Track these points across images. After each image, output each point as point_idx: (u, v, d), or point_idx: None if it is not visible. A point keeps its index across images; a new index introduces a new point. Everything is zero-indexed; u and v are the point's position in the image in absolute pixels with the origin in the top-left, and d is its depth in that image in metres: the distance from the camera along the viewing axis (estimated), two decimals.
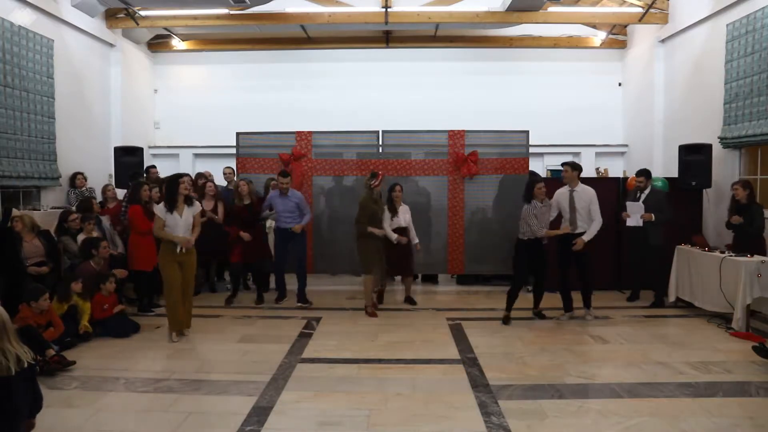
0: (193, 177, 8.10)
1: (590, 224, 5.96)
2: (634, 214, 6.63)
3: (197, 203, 5.56)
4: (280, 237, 6.78)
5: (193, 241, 5.34)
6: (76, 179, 7.87)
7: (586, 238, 5.92)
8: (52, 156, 7.55)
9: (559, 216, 6.16)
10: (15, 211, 5.98)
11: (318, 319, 6.07)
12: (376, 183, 6.31)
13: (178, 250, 5.25)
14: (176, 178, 5.34)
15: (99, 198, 7.59)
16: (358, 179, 7.92)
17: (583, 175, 9.44)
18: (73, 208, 6.90)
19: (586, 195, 5.99)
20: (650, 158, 9.21)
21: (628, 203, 6.71)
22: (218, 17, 8.94)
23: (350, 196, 7.93)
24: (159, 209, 5.26)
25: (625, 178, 7.83)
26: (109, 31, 9.15)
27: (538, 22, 8.96)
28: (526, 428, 3.42)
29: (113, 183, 8.34)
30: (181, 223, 5.26)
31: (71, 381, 4.21)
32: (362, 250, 6.30)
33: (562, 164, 6.31)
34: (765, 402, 3.84)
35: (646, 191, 6.73)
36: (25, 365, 2.54)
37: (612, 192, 7.59)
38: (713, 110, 7.46)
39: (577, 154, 10.44)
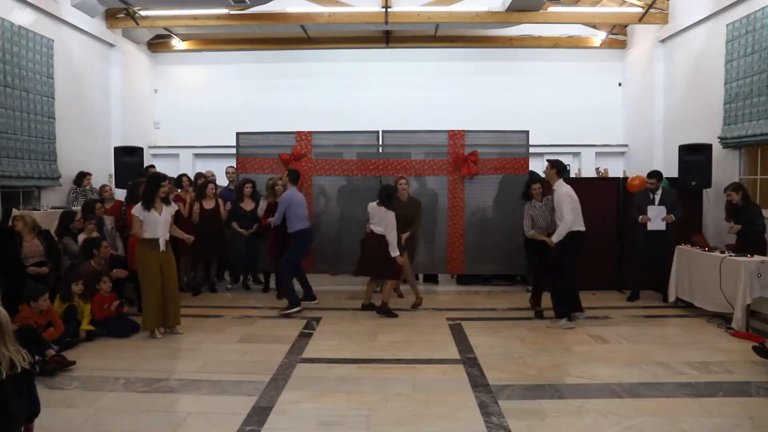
0: (193, 177, 8.15)
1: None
2: (656, 218, 6.67)
3: (174, 203, 5.63)
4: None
5: (191, 237, 5.61)
6: (84, 179, 7.87)
7: (554, 239, 5.74)
8: (52, 156, 7.55)
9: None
10: (15, 211, 5.99)
11: (318, 319, 6.07)
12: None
13: (160, 247, 5.30)
14: (157, 180, 5.39)
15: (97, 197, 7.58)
16: (358, 179, 7.93)
17: (583, 175, 9.61)
18: (73, 208, 6.90)
19: (557, 194, 5.77)
20: (650, 158, 9.21)
21: (649, 207, 6.72)
22: (218, 17, 8.94)
23: (350, 196, 7.93)
24: (136, 209, 5.29)
25: (625, 178, 7.83)
26: (109, 31, 9.15)
27: (538, 22, 8.97)
28: (526, 428, 3.42)
29: (113, 183, 8.35)
30: (161, 221, 5.31)
31: (71, 381, 4.21)
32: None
33: (546, 161, 6.24)
34: (765, 402, 3.84)
35: (659, 192, 6.76)
36: (19, 370, 2.52)
37: (612, 192, 7.61)
38: (713, 110, 7.46)
39: (577, 154, 10.46)
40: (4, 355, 2.48)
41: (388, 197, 6.15)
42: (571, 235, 5.69)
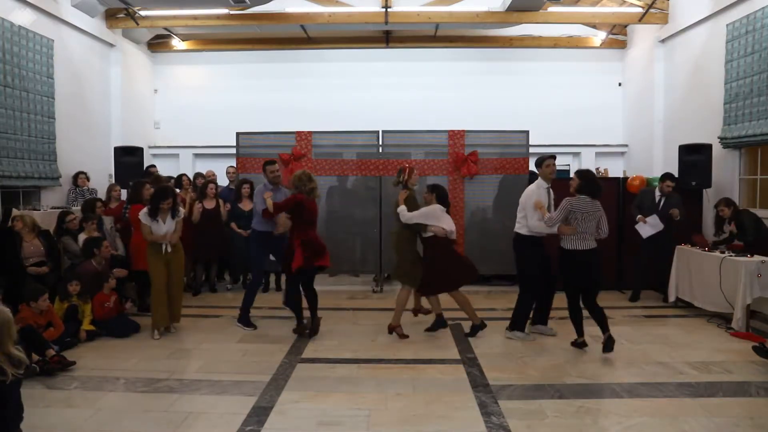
0: (192, 177, 8.15)
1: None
2: (650, 227, 6.72)
3: (182, 211, 5.67)
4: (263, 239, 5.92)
5: (175, 238, 5.52)
6: (78, 178, 7.86)
7: None
8: (52, 156, 7.54)
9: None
10: (15, 211, 5.98)
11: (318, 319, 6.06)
12: (406, 177, 5.45)
13: (164, 250, 5.39)
14: (161, 196, 5.39)
15: (103, 197, 7.53)
16: (358, 179, 7.93)
17: None
18: (73, 208, 6.90)
19: None
20: (650, 158, 9.21)
21: (653, 216, 6.76)
22: (218, 17, 8.94)
23: (350, 196, 7.94)
24: (143, 216, 5.39)
25: (625, 178, 7.85)
26: (109, 31, 9.15)
27: (538, 22, 8.96)
28: (526, 428, 3.42)
29: (113, 183, 8.34)
30: (164, 229, 5.43)
31: (71, 381, 4.21)
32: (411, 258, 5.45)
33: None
34: (765, 402, 3.84)
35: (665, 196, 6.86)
36: (10, 377, 2.50)
37: (612, 192, 7.60)
38: (713, 110, 7.46)
39: (577, 154, 10.46)
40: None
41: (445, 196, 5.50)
42: None
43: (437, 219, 5.29)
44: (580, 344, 5.02)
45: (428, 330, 5.56)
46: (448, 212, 5.43)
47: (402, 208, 5.33)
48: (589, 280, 4.88)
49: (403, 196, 5.42)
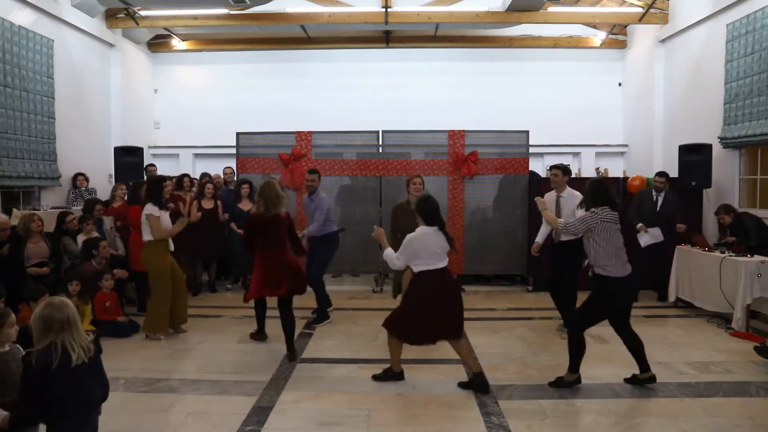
0: (198, 177, 8.15)
1: None
2: (652, 237, 6.70)
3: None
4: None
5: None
6: (76, 180, 7.86)
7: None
8: (52, 156, 7.54)
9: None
10: (15, 212, 5.98)
11: None
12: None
13: (173, 247, 5.42)
14: (159, 181, 5.48)
15: (106, 197, 7.48)
16: (358, 179, 7.93)
17: (583, 175, 9.59)
18: (73, 208, 6.90)
19: (574, 201, 5.20)
20: (650, 158, 9.21)
21: (657, 228, 6.71)
22: (218, 17, 8.94)
23: (350, 196, 7.94)
24: (153, 209, 5.29)
25: (626, 178, 7.85)
26: (109, 31, 9.14)
27: (538, 22, 8.96)
28: (526, 428, 3.42)
29: (113, 183, 8.33)
30: (169, 221, 5.42)
31: None
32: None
33: (552, 167, 5.54)
34: (765, 402, 3.84)
35: (662, 195, 6.81)
36: (74, 361, 2.53)
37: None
38: (713, 110, 7.46)
39: (577, 154, 10.45)
40: (76, 343, 2.49)
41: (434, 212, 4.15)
42: None
43: (424, 247, 3.97)
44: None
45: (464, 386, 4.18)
46: (442, 228, 4.09)
47: (388, 252, 4.08)
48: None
49: (382, 236, 4.20)
